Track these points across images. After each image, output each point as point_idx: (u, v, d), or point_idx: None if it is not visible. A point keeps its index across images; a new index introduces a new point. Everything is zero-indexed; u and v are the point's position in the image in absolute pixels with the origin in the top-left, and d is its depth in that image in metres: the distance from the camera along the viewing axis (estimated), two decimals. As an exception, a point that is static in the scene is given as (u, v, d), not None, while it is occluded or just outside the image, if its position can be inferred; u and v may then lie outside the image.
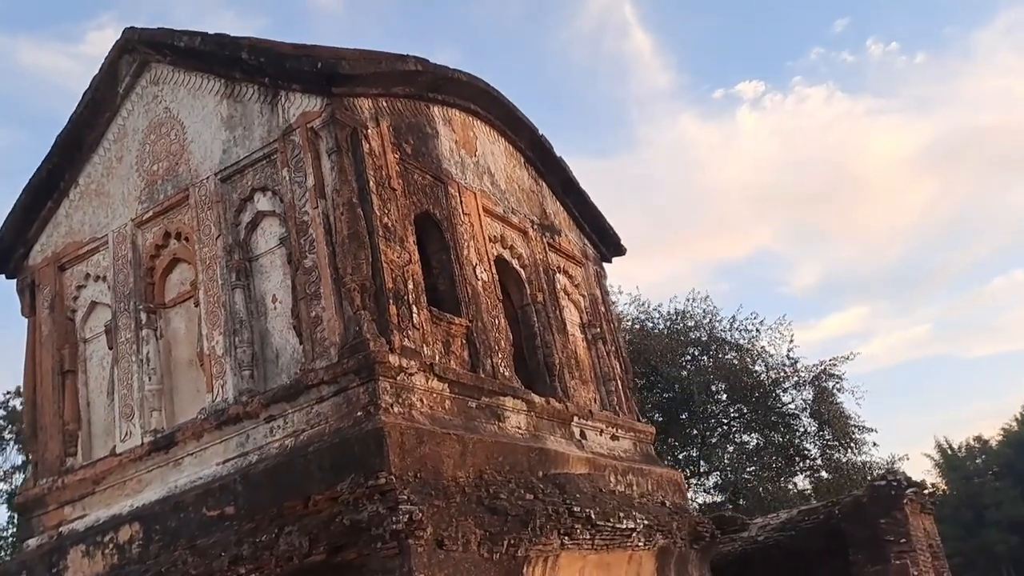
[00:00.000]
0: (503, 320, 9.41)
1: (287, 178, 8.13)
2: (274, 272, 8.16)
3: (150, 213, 8.93)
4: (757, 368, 24.16)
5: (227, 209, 8.46)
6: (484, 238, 9.72)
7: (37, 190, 9.63)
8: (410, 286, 8.01)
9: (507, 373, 9.03)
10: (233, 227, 8.39)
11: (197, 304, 8.36)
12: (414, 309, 7.93)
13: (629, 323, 24.65)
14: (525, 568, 7.50)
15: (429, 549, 6.50)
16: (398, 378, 7.34)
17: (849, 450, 23.88)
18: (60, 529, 8.47)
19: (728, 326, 24.66)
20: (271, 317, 8.06)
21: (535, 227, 11.09)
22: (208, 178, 8.61)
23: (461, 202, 9.50)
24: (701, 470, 25.10)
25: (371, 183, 8.03)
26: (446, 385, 7.92)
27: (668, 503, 10.64)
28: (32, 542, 8.64)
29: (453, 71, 9.86)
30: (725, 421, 25.11)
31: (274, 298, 8.10)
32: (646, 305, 25.12)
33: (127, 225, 9.05)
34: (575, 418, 10.01)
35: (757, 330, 24.14)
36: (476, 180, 10.08)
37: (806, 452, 24.36)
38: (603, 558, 8.74)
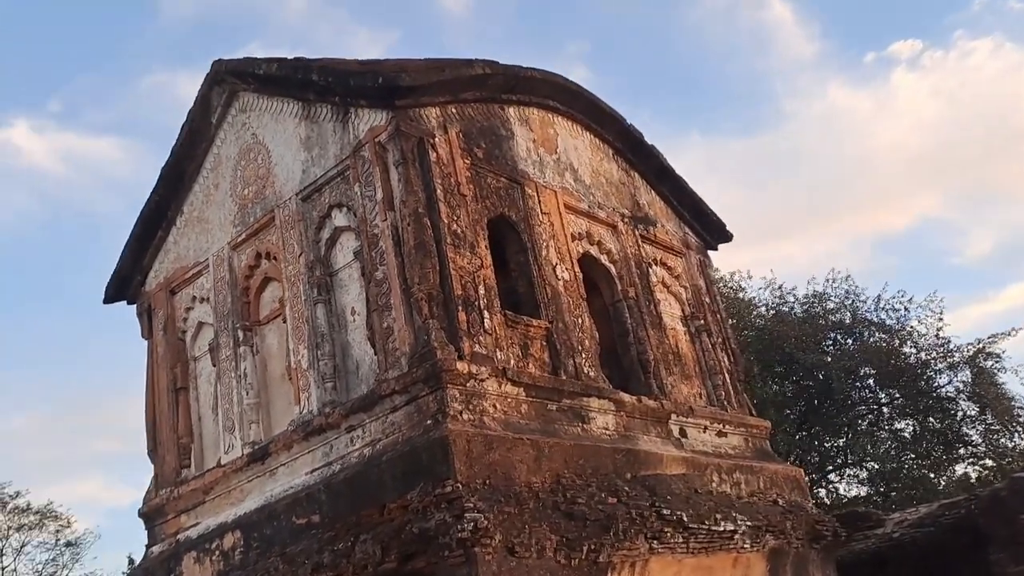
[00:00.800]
0: (587, 319, 9.24)
1: (359, 193, 8.31)
2: (352, 285, 8.36)
3: (243, 236, 9.36)
4: (906, 350, 22.65)
5: (308, 227, 8.74)
6: (566, 236, 9.58)
7: (147, 220, 10.31)
8: (481, 291, 8.00)
9: (592, 373, 8.85)
10: (314, 244, 8.67)
11: (284, 320, 8.68)
12: (486, 314, 7.91)
13: (764, 310, 23.72)
14: (609, 573, 7.33)
15: (499, 556, 6.46)
16: (468, 385, 7.34)
17: (1016, 434, 22.02)
18: (177, 536, 9.03)
19: (873, 306, 23.28)
20: (351, 329, 8.27)
21: (626, 220, 10.83)
22: (290, 198, 8.94)
23: (539, 202, 9.40)
24: (849, 460, 23.80)
25: (438, 191, 8.08)
26: (521, 389, 7.86)
27: (782, 501, 10.13)
28: (155, 549, 9.27)
29: (526, 70, 9.77)
30: (875, 407, 23.72)
31: (353, 311, 8.30)
32: (781, 289, 24.03)
33: (224, 248, 9.53)
34: (673, 416, 9.70)
35: (906, 308, 22.60)
36: (556, 178, 9.94)
37: (967, 438, 22.64)
38: (702, 561, 8.42)
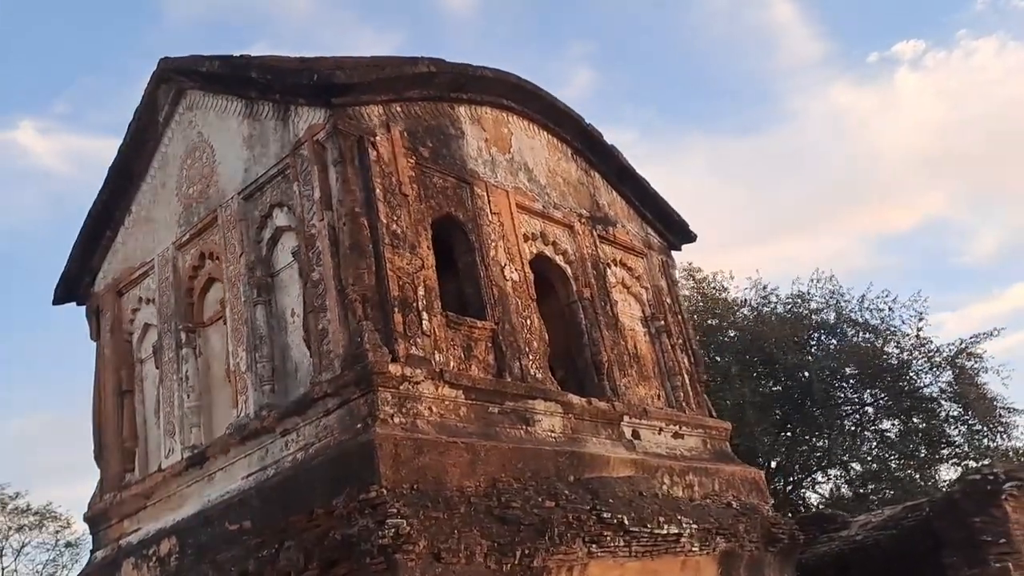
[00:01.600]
0: (536, 320, 9.13)
1: (297, 192, 8.20)
2: (292, 286, 8.25)
3: (187, 236, 9.25)
4: (889, 349, 22.53)
5: (249, 227, 8.62)
6: (517, 236, 9.46)
7: (95, 220, 10.20)
8: (421, 292, 7.89)
9: (539, 375, 8.74)
10: (255, 244, 8.55)
11: (225, 322, 8.56)
12: (424, 316, 7.79)
13: (747, 310, 23.58)
14: (544, 578, 7.21)
15: (423, 563, 6.35)
16: (401, 387, 7.23)
17: (998, 435, 21.91)
18: (120, 542, 8.91)
19: (857, 306, 23.16)
20: (290, 331, 8.15)
21: (583, 220, 10.71)
22: (232, 197, 8.82)
23: (489, 201, 9.28)
24: (831, 461, 23.66)
25: (377, 191, 7.96)
26: (460, 391, 7.74)
27: (736, 504, 10.01)
28: (98, 555, 9.16)
29: (477, 68, 9.66)
30: (858, 407, 23.61)
31: (293, 312, 8.18)
32: (765, 289, 23.87)
33: (169, 248, 9.42)
34: (625, 417, 9.58)
35: (890, 308, 22.44)
36: (509, 177, 9.83)
37: (950, 438, 22.54)
38: (647, 565, 8.30)
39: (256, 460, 7.79)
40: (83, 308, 10.46)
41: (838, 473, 24.08)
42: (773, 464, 23.54)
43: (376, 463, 6.55)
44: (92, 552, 9.33)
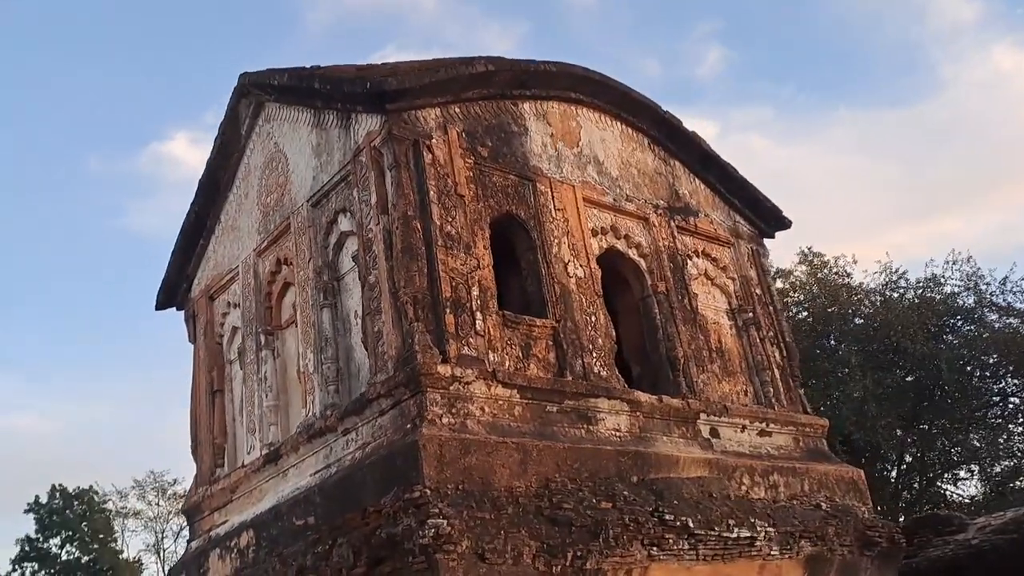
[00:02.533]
0: (602, 317, 8.97)
1: (357, 197, 8.39)
2: (355, 289, 8.44)
3: (265, 242, 9.64)
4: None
5: (317, 232, 8.90)
6: (583, 232, 9.32)
7: (188, 230, 10.79)
8: (475, 292, 7.90)
9: (603, 373, 8.59)
10: (322, 249, 8.81)
11: (296, 324, 8.88)
12: (478, 316, 7.81)
13: (872, 296, 22.30)
14: (599, 581, 7.09)
15: (466, 563, 6.37)
16: (451, 388, 7.27)
17: None
18: (210, 533, 9.42)
19: (998, 289, 21.54)
20: (353, 333, 8.35)
21: (660, 211, 10.44)
22: (302, 205, 9.12)
23: (552, 198, 9.19)
24: (961, 458, 22.05)
25: (431, 193, 8.03)
26: (515, 391, 7.71)
27: (826, 505, 9.52)
28: (192, 545, 9.71)
29: (539, 63, 9.57)
30: (999, 399, 21.94)
31: (356, 314, 8.38)
32: (896, 273, 22.50)
33: (250, 255, 9.85)
34: (702, 415, 9.28)
35: (1038, 290, 20.73)
36: (576, 172, 9.69)
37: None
38: (718, 569, 8.02)
39: (322, 458, 8.04)
40: (182, 313, 11.08)
41: (980, 469, 22.49)
42: (907, 459, 22.24)
43: (420, 463, 6.62)
44: (188, 542, 9.90)
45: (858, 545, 9.51)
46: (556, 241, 8.98)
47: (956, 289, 21.85)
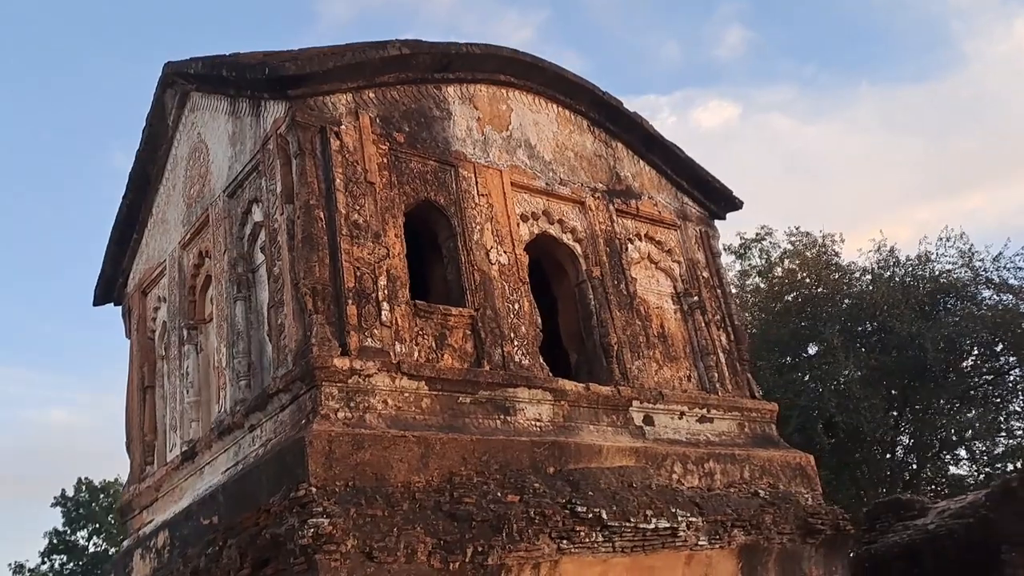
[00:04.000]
0: (527, 304, 8.74)
1: (265, 187, 8.19)
2: (267, 282, 8.25)
3: (188, 235, 9.47)
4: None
5: (232, 224, 8.71)
6: (509, 217, 9.09)
7: (122, 224, 10.64)
8: (382, 282, 7.69)
9: (525, 362, 8.37)
10: (238, 240, 8.62)
11: (211, 319, 8.71)
12: (384, 306, 7.60)
13: (865, 276, 21.86)
14: (503, 577, 6.90)
15: (351, 563, 6.18)
16: (349, 381, 7.07)
17: None
18: (138, 532, 9.31)
19: (990, 266, 21.10)
20: (265, 327, 8.16)
21: (598, 195, 10.18)
22: (219, 195, 8.94)
23: (476, 183, 8.95)
24: (971, 436, 21.54)
25: (338, 181, 7.82)
26: (422, 383, 7.50)
27: (765, 493, 9.28)
28: (125, 543, 9.60)
29: (462, 46, 9.32)
30: (989, 377, 21.49)
31: (267, 307, 8.19)
32: (892, 252, 22.05)
33: (175, 248, 9.68)
34: (635, 402, 9.06)
35: (1033, 266, 20.27)
36: (505, 156, 9.45)
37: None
38: (639, 561, 7.80)
39: (231, 455, 7.88)
40: (119, 308, 10.95)
41: (977, 448, 22.06)
42: (906, 440, 21.83)
43: (306, 460, 6.44)
44: (121, 541, 9.80)
45: (800, 533, 9.26)
46: (479, 227, 8.75)
47: (950, 266, 21.45)
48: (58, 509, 39.11)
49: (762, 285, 23.09)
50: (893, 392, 20.87)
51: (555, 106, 10.39)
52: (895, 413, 20.97)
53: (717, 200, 11.67)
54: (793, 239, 22.66)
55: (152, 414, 9.82)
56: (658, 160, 11.20)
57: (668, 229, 10.94)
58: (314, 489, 6.32)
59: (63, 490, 39.56)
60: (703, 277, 10.93)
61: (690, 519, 8.05)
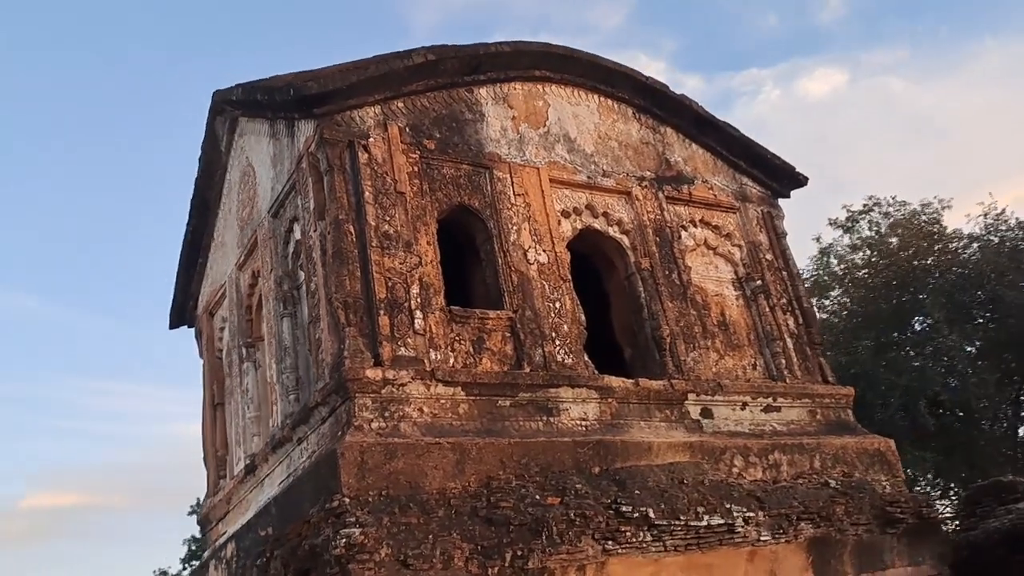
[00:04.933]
0: (569, 302, 8.61)
1: (300, 205, 8.36)
2: (306, 297, 8.42)
3: (242, 256, 9.79)
4: None
5: (277, 243, 8.94)
6: (548, 215, 8.97)
7: (187, 249, 11.11)
8: (415, 291, 7.73)
9: (568, 360, 8.25)
10: (282, 259, 8.85)
11: (263, 336, 8.97)
12: (418, 314, 7.63)
13: (972, 244, 20.50)
14: (548, 581, 6.81)
15: (386, 571, 6.23)
16: (383, 391, 7.14)
17: None
18: (215, 543, 9.68)
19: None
20: (307, 342, 8.33)
21: (646, 183, 9.94)
22: (265, 216, 9.19)
23: (512, 183, 8.89)
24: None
25: (367, 194, 7.91)
26: (458, 388, 7.50)
27: (838, 483, 8.83)
28: (205, 554, 10.01)
29: (491, 46, 9.27)
30: None
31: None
32: (999, 218, 20.61)
33: (233, 270, 10.02)
34: (690, 395, 8.80)
35: None
36: (543, 153, 9.34)
37: None
38: (694, 560, 7.56)
39: (285, 468, 8.09)
40: (193, 331, 11.43)
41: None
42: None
43: (339, 472, 6.53)
44: (201, 552, 10.21)
45: (878, 523, 8.78)
46: (515, 228, 8.68)
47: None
48: (194, 517, 41.22)
49: (857, 260, 21.88)
50: (1013, 365, 19.49)
51: (596, 96, 10.20)
52: (1017, 387, 19.63)
53: (779, 178, 11.20)
54: (891, 209, 21.42)
55: (223, 430, 10.20)
56: (712, 142, 10.85)
57: (726, 212, 10.58)
58: (347, 500, 6.41)
59: (198, 499, 41.66)
60: (767, 260, 10.51)
61: (747, 514, 7.74)
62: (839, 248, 21.63)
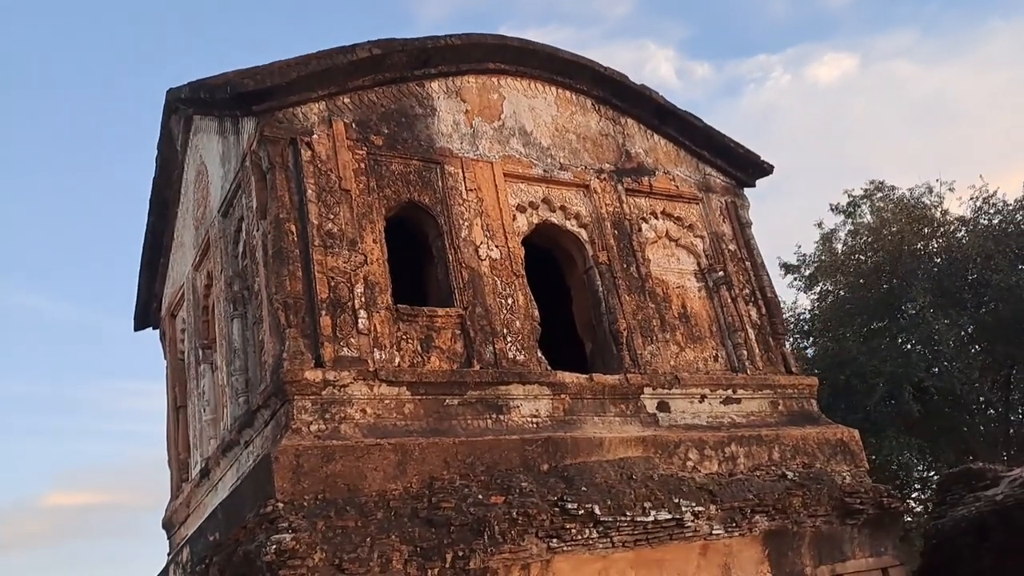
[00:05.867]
0: (522, 298, 8.53)
1: (244, 204, 8.28)
2: (251, 298, 8.35)
3: (197, 257, 9.72)
4: None
5: (227, 243, 8.86)
6: (502, 210, 8.88)
7: (148, 249, 11.05)
8: (359, 290, 7.65)
9: (520, 357, 8.17)
10: (232, 259, 8.77)
11: (215, 337, 8.90)
12: (361, 314, 7.55)
13: (961, 227, 20.27)
14: (491, 580, 6.75)
15: None
16: (324, 393, 7.07)
17: None
18: (176, 547, 9.64)
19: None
20: (253, 343, 8.27)
21: (604, 176, 9.83)
22: (216, 216, 9.11)
23: (464, 179, 8.79)
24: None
25: (309, 192, 7.82)
26: (403, 388, 7.43)
27: (796, 474, 8.76)
28: (168, 558, 9.96)
29: (441, 39, 9.15)
30: None
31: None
32: (992, 199, 20.34)
33: (190, 270, 9.95)
34: (646, 389, 8.72)
35: None
36: (497, 147, 9.24)
37: None
38: (643, 555, 7.49)
39: (235, 471, 8.04)
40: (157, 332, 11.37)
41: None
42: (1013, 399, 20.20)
43: (272, 476, 6.46)
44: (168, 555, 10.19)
45: (837, 514, 8.71)
46: (467, 224, 8.59)
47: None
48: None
49: (859, 245, 21.40)
50: (1001, 349, 19.27)
51: (554, 88, 10.09)
52: (1010, 371, 19.45)
53: (744, 167, 11.09)
54: (892, 193, 21.04)
55: (185, 433, 10.15)
56: (674, 132, 10.73)
57: (688, 203, 10.47)
58: (280, 504, 6.35)
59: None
60: (729, 250, 10.41)
61: (697, 508, 7.67)
62: (841, 234, 21.25)
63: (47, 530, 40.65)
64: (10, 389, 41.94)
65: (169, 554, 10.01)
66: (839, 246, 21.50)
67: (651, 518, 7.39)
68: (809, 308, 21.61)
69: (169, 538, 10.15)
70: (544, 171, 9.44)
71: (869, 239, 20.79)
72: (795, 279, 21.44)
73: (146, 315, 11.43)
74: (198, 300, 9.73)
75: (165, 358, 10.97)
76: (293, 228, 7.65)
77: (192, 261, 9.92)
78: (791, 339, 21.37)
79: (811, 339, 20.92)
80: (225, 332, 8.59)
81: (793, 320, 21.20)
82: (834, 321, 20.03)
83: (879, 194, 21.09)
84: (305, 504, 6.44)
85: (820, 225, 21.27)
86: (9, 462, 40.34)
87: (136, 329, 11.58)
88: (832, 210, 21.28)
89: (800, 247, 24.99)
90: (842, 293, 20.79)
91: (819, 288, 21.43)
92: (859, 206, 21.57)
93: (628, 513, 7.31)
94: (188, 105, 9.74)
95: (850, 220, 21.36)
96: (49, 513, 40.59)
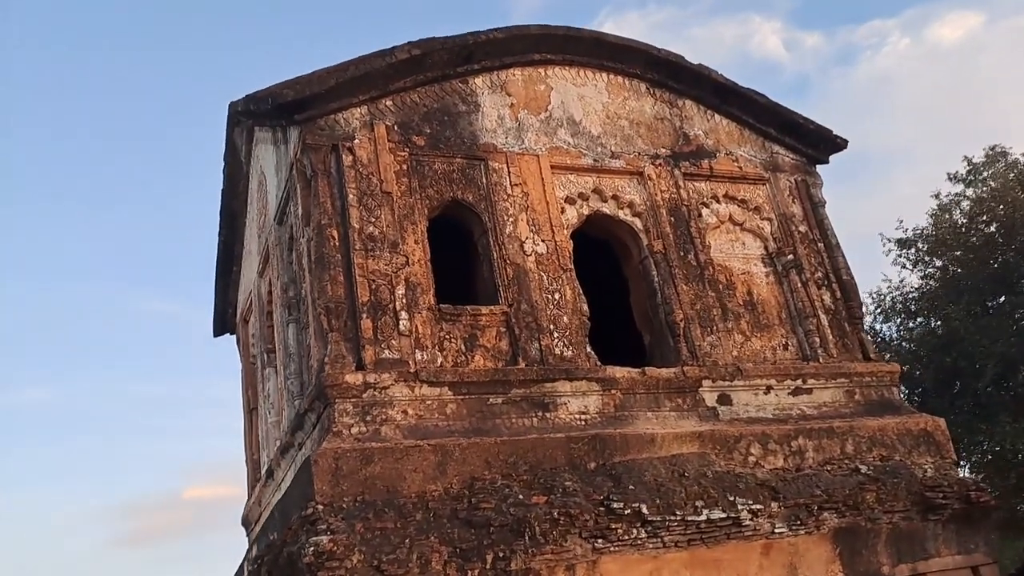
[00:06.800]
0: (569, 292, 8.35)
1: (292, 211, 8.43)
2: (300, 303, 8.51)
3: (260, 264, 9.99)
4: None
5: (283, 249, 9.06)
6: (549, 203, 8.73)
7: (221, 259, 11.44)
8: (400, 292, 7.66)
9: (567, 353, 8.01)
10: (287, 265, 8.95)
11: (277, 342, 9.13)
12: (403, 315, 7.56)
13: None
14: (534, 582, 6.65)
15: (358, 578, 6.23)
16: (364, 395, 7.12)
17: None
18: (249, 545, 9.96)
19: None
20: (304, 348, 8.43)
21: (659, 161, 9.53)
22: (272, 224, 9.33)
23: (508, 174, 8.69)
24: None
25: (351, 196, 7.89)
26: (444, 388, 7.39)
27: (871, 468, 8.27)
28: (244, 555, 10.32)
29: (482, 34, 9.06)
30: None
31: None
32: None
33: (255, 277, 10.24)
34: (705, 382, 8.41)
35: None
36: (543, 139, 9.08)
37: None
38: (698, 555, 7.22)
39: (291, 472, 8.20)
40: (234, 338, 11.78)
41: None
42: None
43: (312, 479, 6.56)
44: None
45: (917, 510, 8.17)
46: (511, 220, 8.49)
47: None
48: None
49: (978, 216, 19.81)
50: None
51: (604, 75, 9.84)
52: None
53: (815, 143, 10.53)
54: (1002, 162, 19.51)
55: (256, 434, 10.47)
56: (736, 111, 10.30)
57: (754, 184, 10.03)
58: (320, 507, 6.43)
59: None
60: (800, 232, 9.92)
61: (754, 506, 7.32)
62: (963, 205, 19.72)
63: (187, 520, 43.12)
64: (151, 391, 44.78)
65: (249, 550, 10.36)
66: (957, 218, 19.99)
67: (703, 517, 7.11)
68: (916, 287, 20.31)
69: (248, 535, 10.50)
70: (594, 160, 9.23)
71: (983, 210, 19.32)
72: (899, 255, 20.16)
73: (223, 322, 11.85)
74: (263, 306, 10.00)
75: (241, 362, 11.34)
76: (335, 233, 7.73)
77: (257, 268, 10.21)
78: (897, 319, 20.31)
79: (918, 320, 19.72)
80: (282, 337, 8.80)
81: (901, 299, 20.02)
82: (941, 299, 18.79)
83: (1000, 161, 19.56)
84: (344, 506, 6.50)
85: (937, 196, 19.88)
86: (152, 458, 43.03)
87: (215, 335, 12.03)
88: (949, 179, 19.83)
89: (902, 221, 23.35)
90: (953, 269, 19.48)
91: (927, 264, 20.11)
92: (981, 173, 19.95)
93: (678, 512, 7.06)
94: (246, 117, 9.97)
95: (970, 189, 19.82)
96: (190, 505, 43.04)
